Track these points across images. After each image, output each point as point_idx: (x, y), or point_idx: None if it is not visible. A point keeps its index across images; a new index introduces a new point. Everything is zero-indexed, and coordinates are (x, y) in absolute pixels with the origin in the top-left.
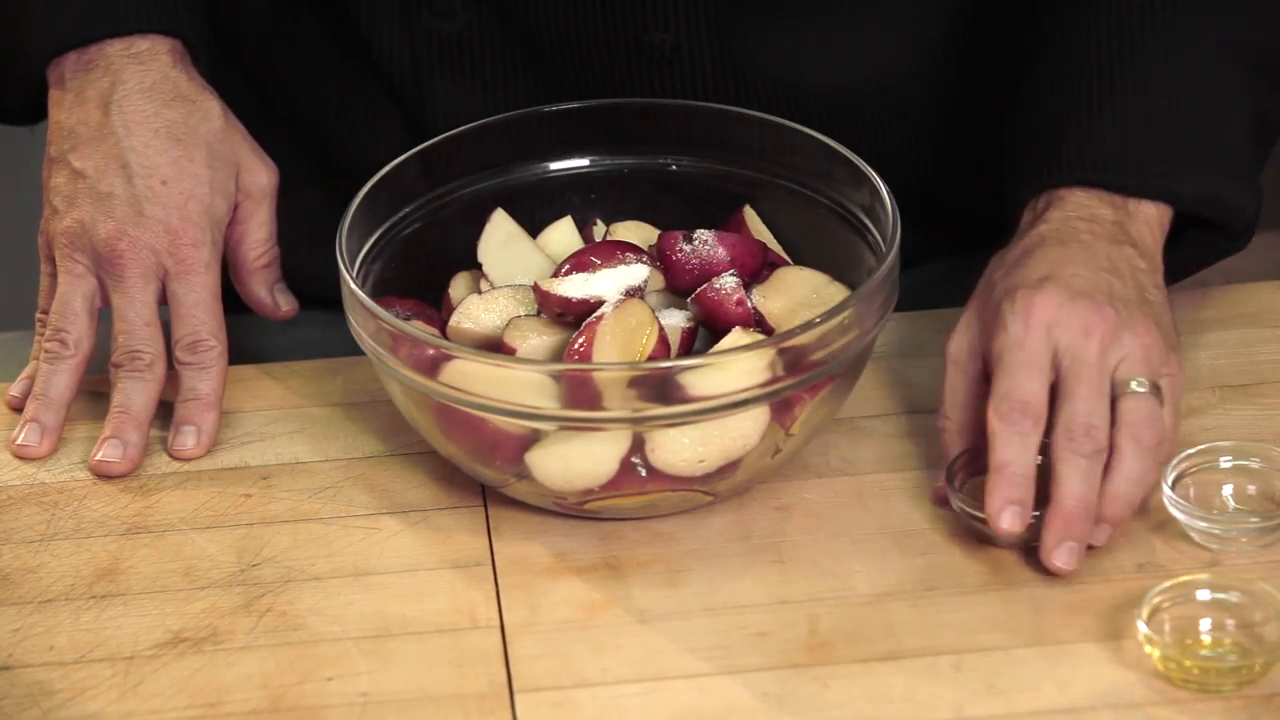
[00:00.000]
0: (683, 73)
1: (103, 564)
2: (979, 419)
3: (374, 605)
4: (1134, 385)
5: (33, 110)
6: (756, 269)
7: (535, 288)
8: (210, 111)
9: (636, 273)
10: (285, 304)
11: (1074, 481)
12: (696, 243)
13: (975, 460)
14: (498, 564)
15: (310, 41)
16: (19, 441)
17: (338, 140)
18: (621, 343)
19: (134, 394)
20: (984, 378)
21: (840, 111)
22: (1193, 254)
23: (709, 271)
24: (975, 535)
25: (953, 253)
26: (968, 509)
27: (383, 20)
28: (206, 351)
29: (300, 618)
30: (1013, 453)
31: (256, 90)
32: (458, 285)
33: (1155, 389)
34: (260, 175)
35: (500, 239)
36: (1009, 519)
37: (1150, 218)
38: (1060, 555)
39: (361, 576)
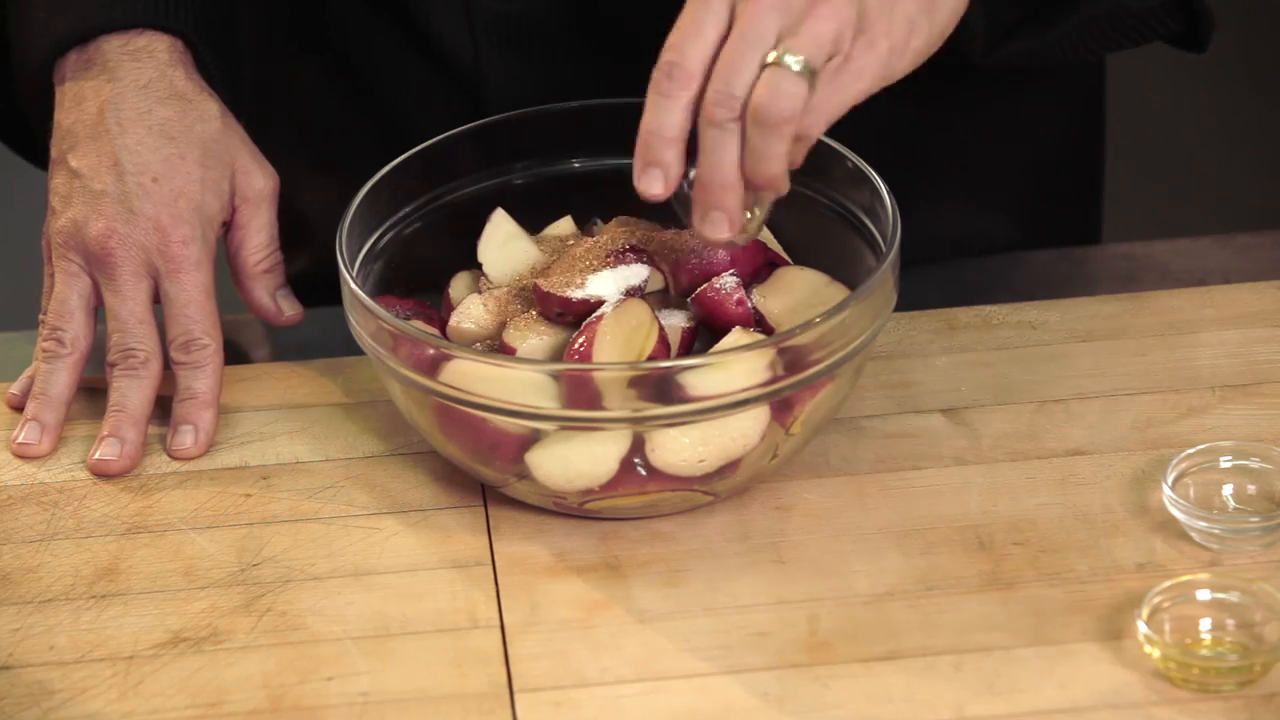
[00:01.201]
0: None
1: (103, 564)
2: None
3: (374, 605)
4: (786, 59)
5: (47, 122)
6: (756, 269)
7: (535, 288)
8: (207, 112)
9: (636, 273)
10: (289, 309)
11: (707, 151)
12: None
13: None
14: (498, 564)
15: (372, 29)
16: (19, 440)
17: (401, 127)
18: (622, 343)
19: (130, 392)
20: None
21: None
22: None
23: (709, 271)
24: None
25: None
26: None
27: (442, 3)
28: (201, 350)
29: (300, 618)
30: (653, 116)
31: (322, 79)
32: (458, 285)
33: (809, 71)
34: (257, 179)
35: (500, 239)
36: (646, 182)
37: None
38: (707, 225)
39: (361, 576)
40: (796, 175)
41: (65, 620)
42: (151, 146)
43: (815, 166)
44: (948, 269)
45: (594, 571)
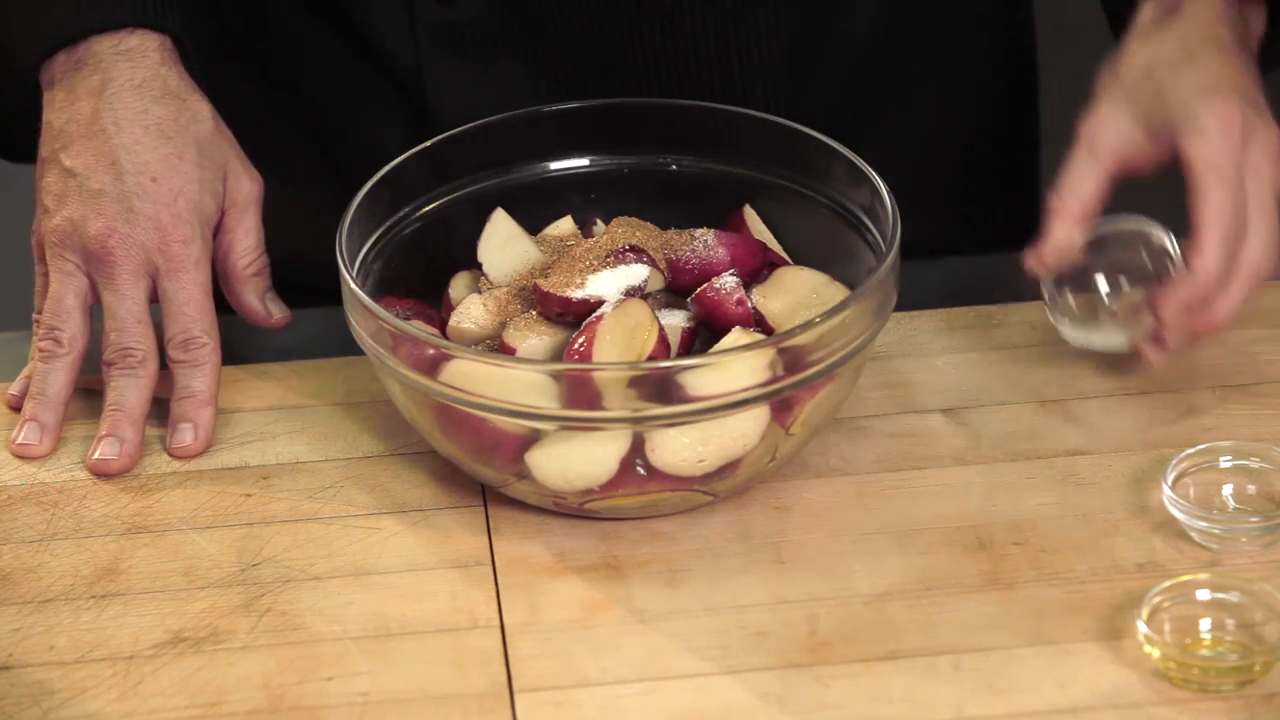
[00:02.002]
0: (684, 29)
1: (103, 564)
2: (1090, 211)
3: (374, 605)
4: None
5: (28, 121)
6: (756, 269)
7: (535, 288)
8: (200, 112)
9: (636, 273)
10: (278, 312)
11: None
12: (699, 239)
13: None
14: (498, 564)
15: (314, 34)
16: (19, 441)
17: (342, 132)
18: (622, 343)
19: (127, 391)
20: (1114, 177)
21: (851, 60)
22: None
23: (709, 271)
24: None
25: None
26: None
27: (385, 9)
28: (199, 349)
29: (300, 618)
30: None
31: (263, 83)
32: (458, 285)
33: None
34: (245, 183)
35: (500, 239)
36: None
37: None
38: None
39: (361, 576)
40: (797, 175)
41: (65, 620)
42: (149, 146)
43: (815, 166)
44: (948, 269)
45: (594, 571)
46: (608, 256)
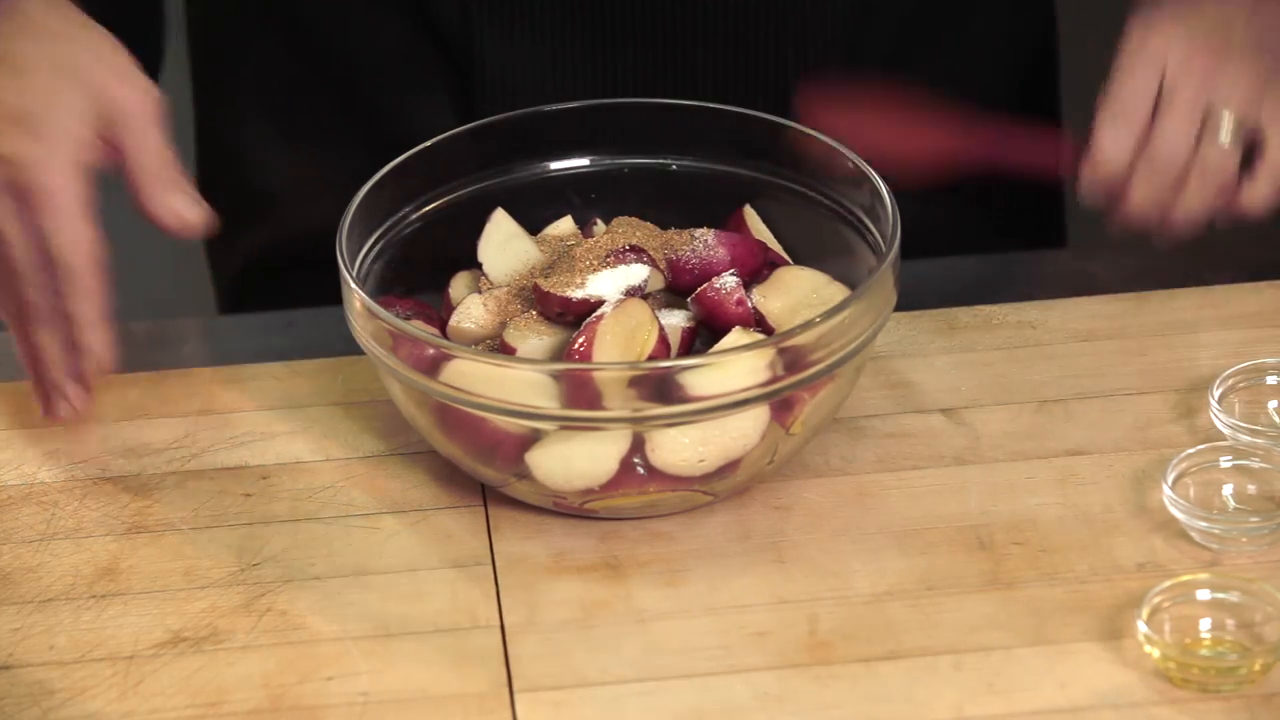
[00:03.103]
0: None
1: (103, 564)
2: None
3: (374, 605)
4: None
5: None
6: (756, 269)
7: (535, 288)
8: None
9: (636, 273)
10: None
11: None
12: (699, 240)
13: None
14: (498, 564)
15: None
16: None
17: (380, 103)
18: (622, 342)
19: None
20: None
21: (897, 37)
22: None
23: (709, 271)
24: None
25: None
26: None
27: None
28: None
29: (300, 617)
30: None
31: (300, 49)
32: (458, 285)
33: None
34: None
35: (501, 239)
36: None
37: None
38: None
39: (361, 576)
40: (797, 175)
41: (65, 620)
42: None
43: (815, 166)
44: (948, 269)
45: (594, 571)
46: (608, 256)
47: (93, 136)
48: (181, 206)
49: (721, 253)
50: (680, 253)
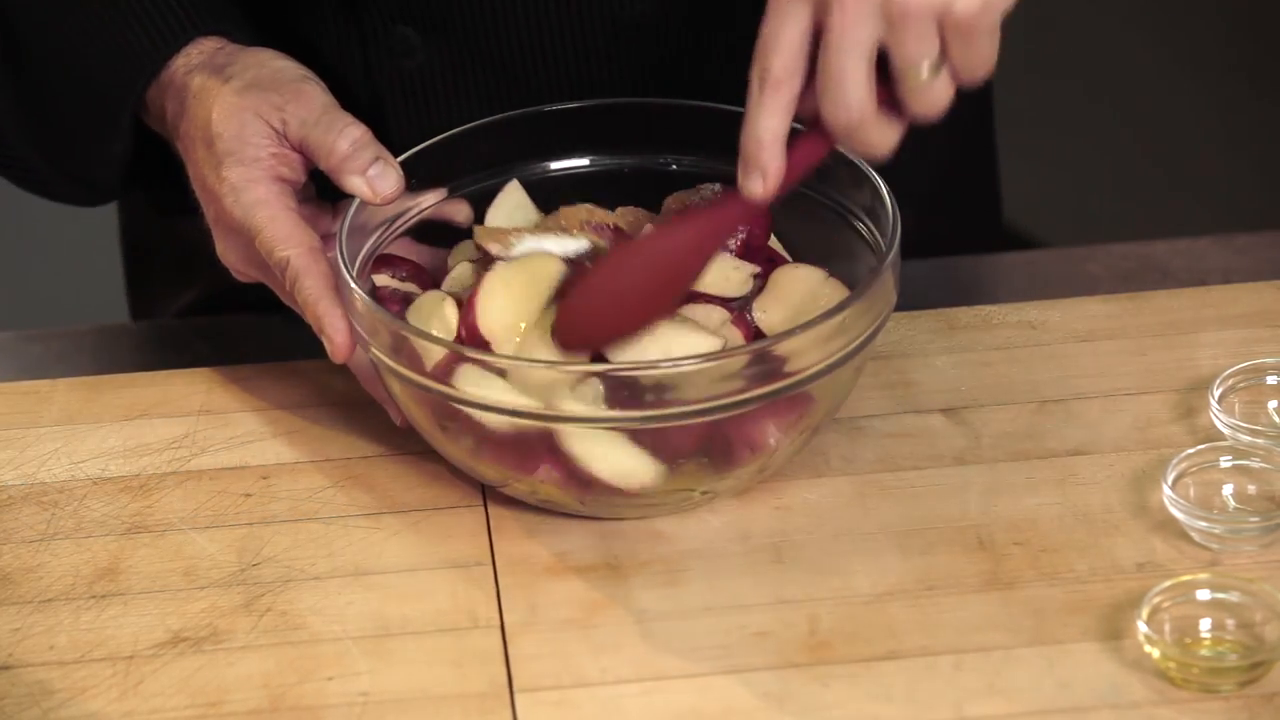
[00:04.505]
0: (651, 42)
1: (103, 564)
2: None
3: (374, 605)
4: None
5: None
6: (763, 239)
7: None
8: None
9: (574, 244)
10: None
11: None
12: (704, 194)
13: None
14: (498, 564)
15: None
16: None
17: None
18: (517, 294)
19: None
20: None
21: None
22: None
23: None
24: None
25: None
26: None
27: (345, 58)
28: None
29: (300, 617)
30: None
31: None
32: (458, 253)
33: None
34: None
35: (508, 207)
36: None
37: None
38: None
39: (361, 576)
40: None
41: (65, 620)
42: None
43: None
44: (948, 269)
45: (594, 571)
46: (569, 227)
47: (279, 152)
48: (363, 187)
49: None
50: (687, 204)
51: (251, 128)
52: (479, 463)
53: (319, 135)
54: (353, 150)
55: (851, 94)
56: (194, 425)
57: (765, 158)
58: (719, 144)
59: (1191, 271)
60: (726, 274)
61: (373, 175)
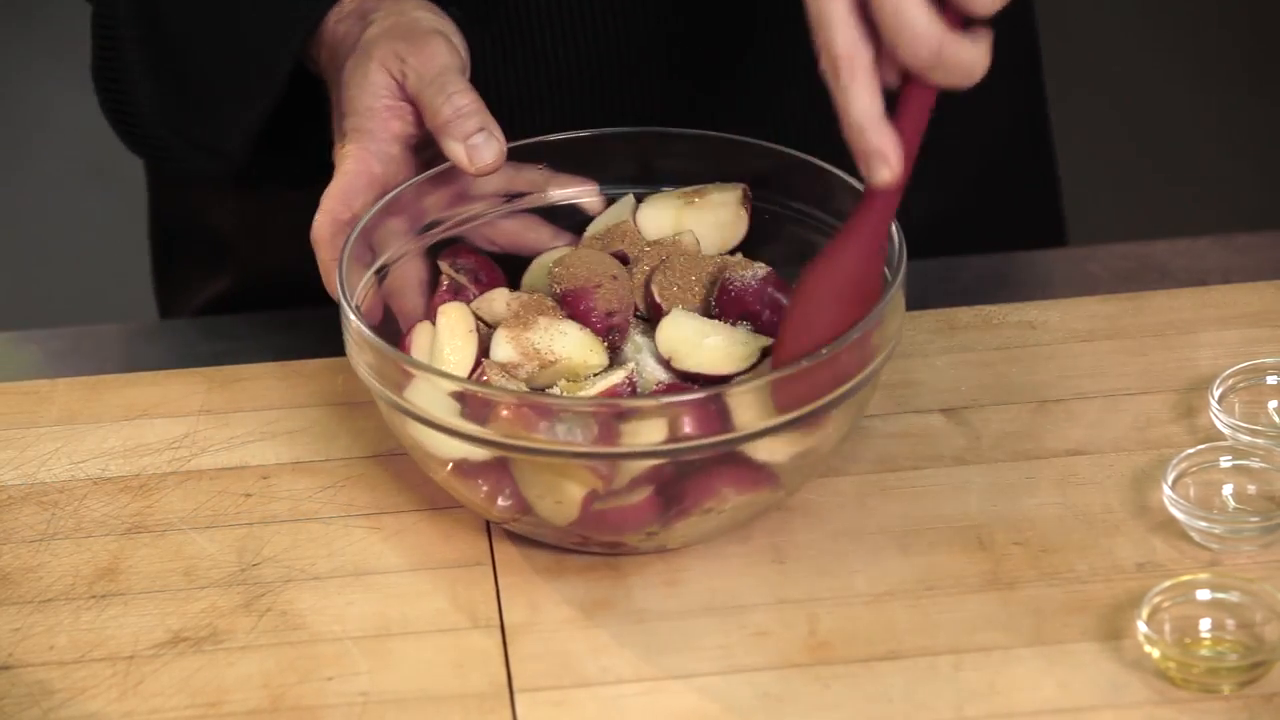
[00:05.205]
0: (716, 81)
1: (103, 564)
2: None
3: (374, 605)
4: None
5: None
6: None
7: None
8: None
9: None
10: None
11: None
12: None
13: None
14: (498, 564)
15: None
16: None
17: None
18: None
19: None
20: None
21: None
22: None
23: (744, 298)
24: None
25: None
26: None
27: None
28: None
29: (300, 617)
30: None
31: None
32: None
33: None
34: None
35: (611, 218)
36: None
37: None
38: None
39: (361, 576)
40: (797, 196)
41: (65, 620)
42: None
43: (817, 188)
44: (948, 269)
45: (594, 571)
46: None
47: (394, 104)
48: (460, 154)
49: (769, 292)
50: (730, 275)
51: (373, 78)
52: (454, 490)
53: (430, 94)
54: (455, 116)
55: (919, 23)
56: (194, 425)
57: (875, 140)
58: (729, 174)
59: (1191, 271)
60: (730, 349)
61: (473, 144)
